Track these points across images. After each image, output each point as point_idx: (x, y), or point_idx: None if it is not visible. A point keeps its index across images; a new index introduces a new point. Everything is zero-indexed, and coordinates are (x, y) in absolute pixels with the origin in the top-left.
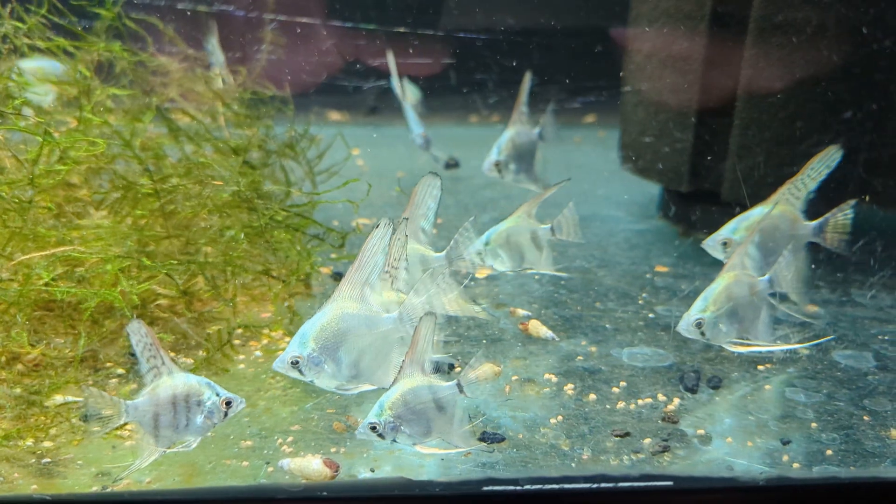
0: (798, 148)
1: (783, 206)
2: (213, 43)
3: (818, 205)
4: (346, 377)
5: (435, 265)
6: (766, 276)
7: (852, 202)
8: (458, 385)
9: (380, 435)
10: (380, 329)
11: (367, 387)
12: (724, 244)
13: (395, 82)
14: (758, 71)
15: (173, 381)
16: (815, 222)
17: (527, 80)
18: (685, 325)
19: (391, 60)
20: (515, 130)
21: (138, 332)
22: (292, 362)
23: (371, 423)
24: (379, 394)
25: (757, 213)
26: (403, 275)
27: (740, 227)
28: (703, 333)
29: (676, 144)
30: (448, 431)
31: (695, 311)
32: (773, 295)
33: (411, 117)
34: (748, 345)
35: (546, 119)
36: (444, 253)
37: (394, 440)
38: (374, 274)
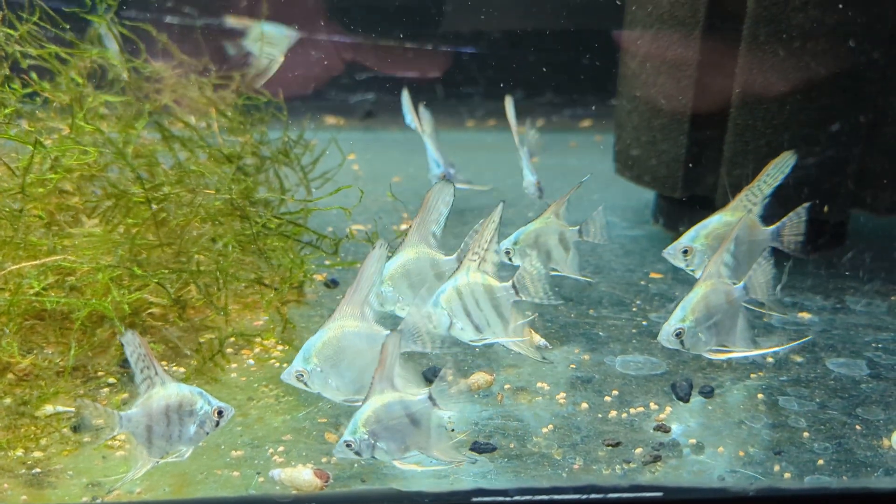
0: None
1: (741, 212)
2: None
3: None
4: (351, 390)
5: (445, 268)
6: (741, 284)
7: (806, 205)
8: (430, 398)
9: (356, 452)
10: (380, 346)
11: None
12: (685, 252)
13: (412, 116)
14: (752, 78)
15: (166, 391)
16: (772, 227)
17: (509, 104)
18: (665, 335)
19: (406, 97)
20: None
21: (132, 343)
22: (297, 376)
23: (346, 441)
24: None
25: (715, 220)
26: (494, 258)
27: (700, 234)
28: (682, 343)
29: (670, 151)
30: (426, 445)
31: (674, 322)
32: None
33: (431, 154)
34: (727, 351)
35: (528, 136)
36: (454, 256)
37: (372, 456)
38: (373, 292)
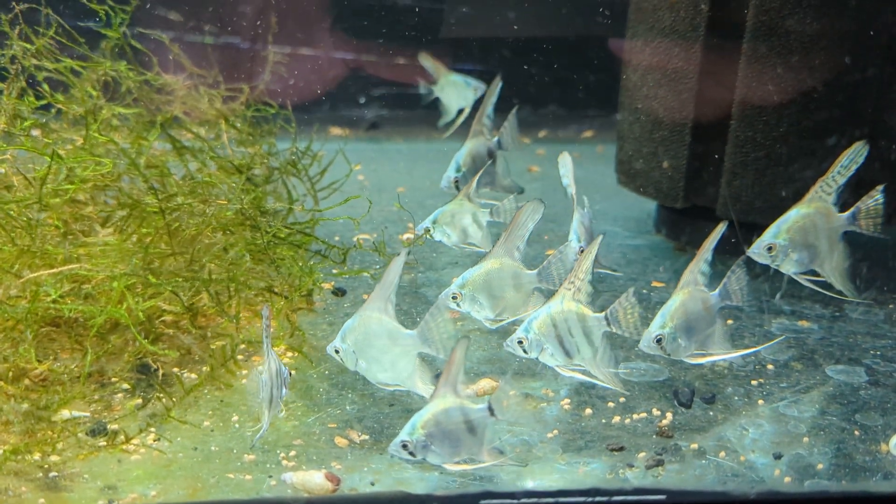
0: (791, 166)
1: (817, 203)
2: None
3: None
4: (374, 373)
5: (525, 281)
6: (717, 291)
7: (880, 187)
8: (490, 407)
9: (411, 453)
10: (399, 341)
11: (395, 386)
12: (769, 249)
13: (569, 181)
14: (751, 90)
15: (271, 357)
16: (847, 213)
17: (496, 84)
18: (646, 342)
19: (566, 162)
20: (473, 143)
21: (266, 316)
22: (335, 350)
23: (403, 442)
24: (380, 404)
25: (794, 214)
26: (588, 288)
27: (781, 230)
28: (663, 349)
29: (671, 162)
30: (478, 452)
31: (654, 329)
32: (820, 283)
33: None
34: (707, 355)
35: (506, 126)
36: (536, 271)
37: (424, 459)
38: (394, 292)
